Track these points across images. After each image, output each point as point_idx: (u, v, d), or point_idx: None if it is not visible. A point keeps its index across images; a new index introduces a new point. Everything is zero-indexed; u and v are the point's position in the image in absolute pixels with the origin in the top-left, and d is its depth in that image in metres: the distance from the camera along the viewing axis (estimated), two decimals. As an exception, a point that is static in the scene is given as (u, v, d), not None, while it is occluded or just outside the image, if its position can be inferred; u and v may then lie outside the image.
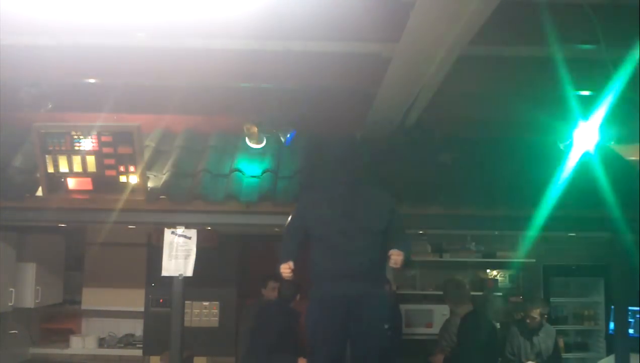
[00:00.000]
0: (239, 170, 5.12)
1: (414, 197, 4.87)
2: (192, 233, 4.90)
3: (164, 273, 4.89)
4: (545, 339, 5.94)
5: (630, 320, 5.73)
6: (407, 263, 3.88)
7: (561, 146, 5.23)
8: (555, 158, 5.01)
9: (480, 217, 4.89)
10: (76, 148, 4.62)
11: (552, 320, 6.70)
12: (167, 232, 4.89)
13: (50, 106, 4.64)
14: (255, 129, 5.19)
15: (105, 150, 4.62)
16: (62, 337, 7.06)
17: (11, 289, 5.84)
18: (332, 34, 3.68)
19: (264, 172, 5.12)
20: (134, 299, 6.89)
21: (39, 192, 4.79)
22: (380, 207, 4.03)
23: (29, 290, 6.09)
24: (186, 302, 5.24)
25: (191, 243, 4.88)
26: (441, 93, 4.28)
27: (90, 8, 3.48)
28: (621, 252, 4.89)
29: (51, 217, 4.91)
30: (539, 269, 7.57)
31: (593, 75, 4.04)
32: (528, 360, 5.84)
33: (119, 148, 4.62)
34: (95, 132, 4.58)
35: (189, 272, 4.87)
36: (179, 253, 4.87)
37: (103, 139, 4.60)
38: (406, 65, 3.63)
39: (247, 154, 5.33)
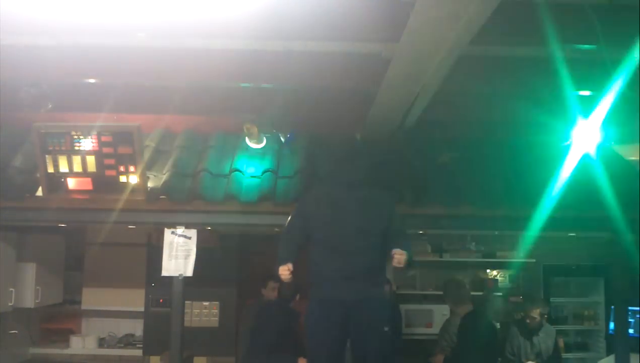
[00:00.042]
0: (239, 170, 5.12)
1: (414, 197, 4.87)
2: (192, 233, 4.90)
3: (164, 273, 4.89)
4: (545, 339, 5.94)
5: (630, 320, 5.73)
6: (410, 263, 3.87)
7: (562, 146, 5.23)
8: (556, 158, 5.00)
9: (480, 217, 4.88)
10: (76, 148, 4.61)
11: (552, 320, 6.70)
12: (167, 232, 4.89)
13: (50, 106, 4.64)
14: (255, 129, 5.19)
15: (105, 150, 4.62)
16: (62, 337, 7.06)
17: (11, 289, 5.84)
18: (332, 34, 3.67)
19: (264, 172, 5.12)
20: (134, 299, 6.89)
21: (39, 192, 4.79)
22: (380, 207, 4.03)
23: (29, 290, 6.09)
24: (186, 302, 5.25)
25: (191, 243, 4.88)
26: (441, 93, 4.28)
27: (90, 8, 3.47)
28: (621, 252, 4.89)
29: (51, 217, 4.91)
30: (539, 269, 7.56)
31: (593, 75, 4.04)
32: (528, 360, 5.84)
33: (119, 148, 4.62)
34: (95, 132, 4.58)
35: (189, 272, 4.87)
36: (179, 253, 4.86)
37: (103, 139, 4.60)
38: (406, 65, 3.63)
39: (247, 154, 5.34)
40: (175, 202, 4.82)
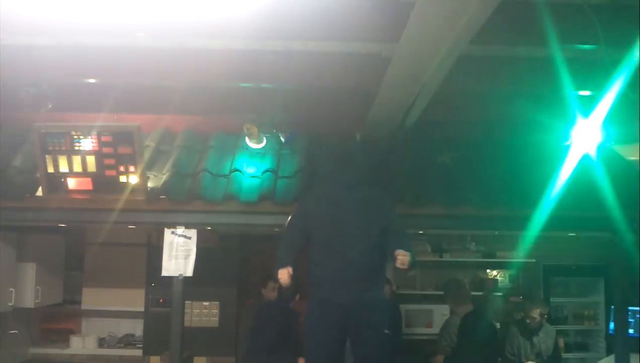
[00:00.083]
0: (239, 170, 5.12)
1: (414, 197, 4.87)
2: (192, 233, 4.90)
3: (164, 273, 4.89)
4: (545, 339, 5.94)
5: (630, 320, 5.73)
6: (413, 263, 3.84)
7: (562, 146, 5.23)
8: (556, 158, 5.00)
9: (480, 217, 4.88)
10: (76, 148, 4.61)
11: (552, 320, 6.70)
12: (167, 232, 4.89)
13: (50, 106, 4.63)
14: (255, 129, 5.19)
15: (105, 150, 4.62)
16: (62, 337, 7.06)
17: (11, 289, 5.84)
18: (332, 34, 3.68)
19: (264, 172, 5.12)
20: (134, 299, 6.89)
21: (39, 192, 4.79)
22: (380, 207, 4.03)
23: (29, 290, 6.08)
24: (186, 302, 5.24)
25: (191, 243, 4.88)
26: (441, 93, 4.28)
27: (90, 8, 3.48)
28: (621, 252, 4.89)
29: (51, 217, 4.91)
30: (539, 269, 7.56)
31: (593, 75, 4.04)
32: (528, 360, 5.84)
33: (119, 148, 4.62)
34: (95, 132, 4.58)
35: (189, 272, 4.86)
36: (179, 253, 4.86)
37: (103, 139, 4.60)
38: (406, 65, 3.64)
39: (247, 153, 5.34)
40: (175, 202, 4.82)
